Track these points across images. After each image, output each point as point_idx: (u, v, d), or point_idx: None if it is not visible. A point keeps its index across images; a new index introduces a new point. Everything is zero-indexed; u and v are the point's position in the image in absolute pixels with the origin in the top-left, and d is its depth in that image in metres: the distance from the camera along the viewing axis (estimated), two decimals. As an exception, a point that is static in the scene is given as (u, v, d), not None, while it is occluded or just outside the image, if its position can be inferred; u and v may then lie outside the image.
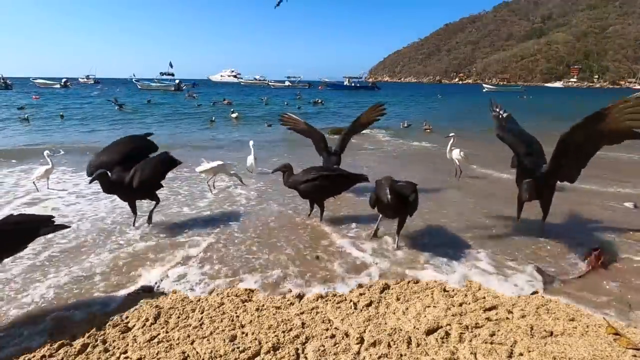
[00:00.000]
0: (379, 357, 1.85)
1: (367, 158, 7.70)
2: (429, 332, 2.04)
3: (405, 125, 13.23)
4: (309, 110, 21.90)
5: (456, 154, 5.73)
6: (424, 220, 3.88)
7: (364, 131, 6.13)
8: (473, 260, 3.02)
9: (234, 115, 15.75)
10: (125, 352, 1.91)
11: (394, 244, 3.25)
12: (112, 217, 3.99)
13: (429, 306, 2.30)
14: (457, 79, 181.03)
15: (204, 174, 4.84)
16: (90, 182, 3.27)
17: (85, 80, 68.02)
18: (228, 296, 2.44)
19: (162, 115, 17.80)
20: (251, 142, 5.89)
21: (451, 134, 5.84)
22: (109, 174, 3.30)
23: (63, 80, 48.58)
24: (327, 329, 2.07)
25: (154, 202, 3.72)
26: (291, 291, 2.54)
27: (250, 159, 5.79)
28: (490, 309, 2.28)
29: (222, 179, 5.48)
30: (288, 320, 2.16)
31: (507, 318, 2.18)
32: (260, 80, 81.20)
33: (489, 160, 6.96)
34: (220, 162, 4.81)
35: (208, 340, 1.98)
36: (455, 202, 4.62)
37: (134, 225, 3.67)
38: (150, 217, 3.76)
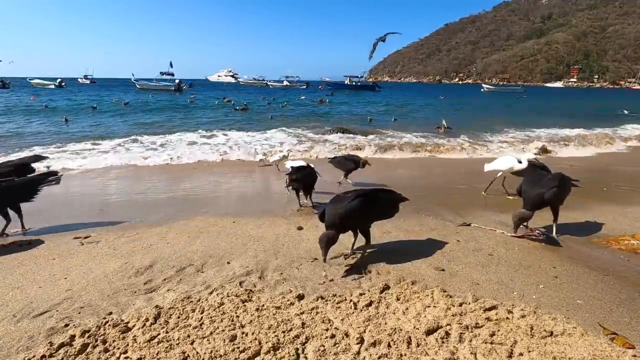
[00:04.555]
0: (379, 357, 1.85)
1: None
2: (429, 332, 2.04)
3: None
4: (315, 109, 22.67)
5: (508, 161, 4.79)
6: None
7: None
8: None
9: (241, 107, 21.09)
10: (125, 352, 1.91)
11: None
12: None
13: (429, 306, 2.30)
14: (457, 79, 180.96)
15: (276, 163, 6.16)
16: None
17: (84, 80, 68.40)
18: (228, 296, 2.44)
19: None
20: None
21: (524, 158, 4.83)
22: None
23: (58, 80, 49.15)
24: (327, 329, 2.07)
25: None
26: (291, 291, 2.54)
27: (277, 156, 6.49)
28: (490, 309, 2.27)
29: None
30: (288, 320, 2.15)
31: (507, 318, 2.17)
32: (258, 80, 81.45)
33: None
34: (284, 154, 6.01)
35: (208, 340, 1.98)
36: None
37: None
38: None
